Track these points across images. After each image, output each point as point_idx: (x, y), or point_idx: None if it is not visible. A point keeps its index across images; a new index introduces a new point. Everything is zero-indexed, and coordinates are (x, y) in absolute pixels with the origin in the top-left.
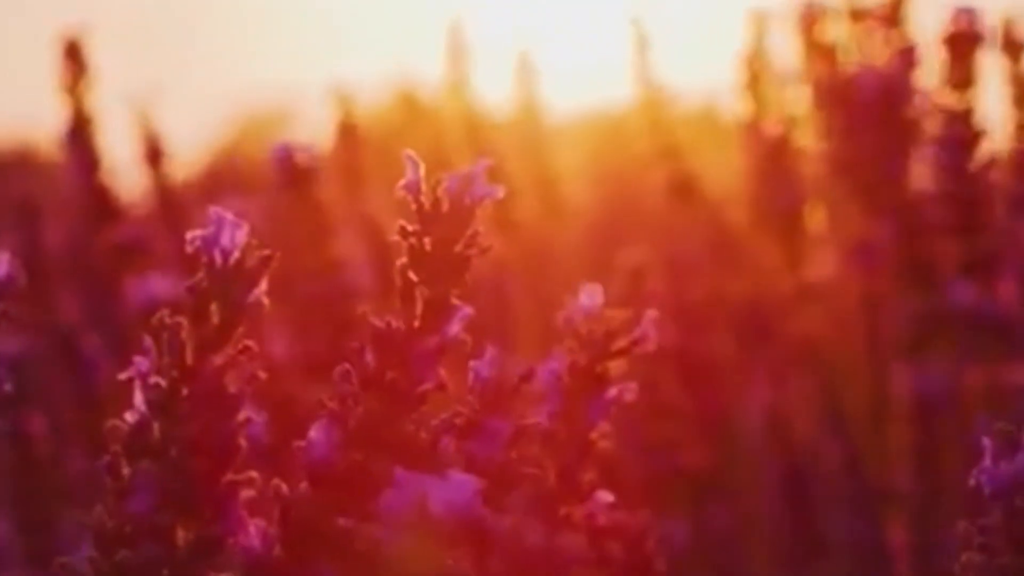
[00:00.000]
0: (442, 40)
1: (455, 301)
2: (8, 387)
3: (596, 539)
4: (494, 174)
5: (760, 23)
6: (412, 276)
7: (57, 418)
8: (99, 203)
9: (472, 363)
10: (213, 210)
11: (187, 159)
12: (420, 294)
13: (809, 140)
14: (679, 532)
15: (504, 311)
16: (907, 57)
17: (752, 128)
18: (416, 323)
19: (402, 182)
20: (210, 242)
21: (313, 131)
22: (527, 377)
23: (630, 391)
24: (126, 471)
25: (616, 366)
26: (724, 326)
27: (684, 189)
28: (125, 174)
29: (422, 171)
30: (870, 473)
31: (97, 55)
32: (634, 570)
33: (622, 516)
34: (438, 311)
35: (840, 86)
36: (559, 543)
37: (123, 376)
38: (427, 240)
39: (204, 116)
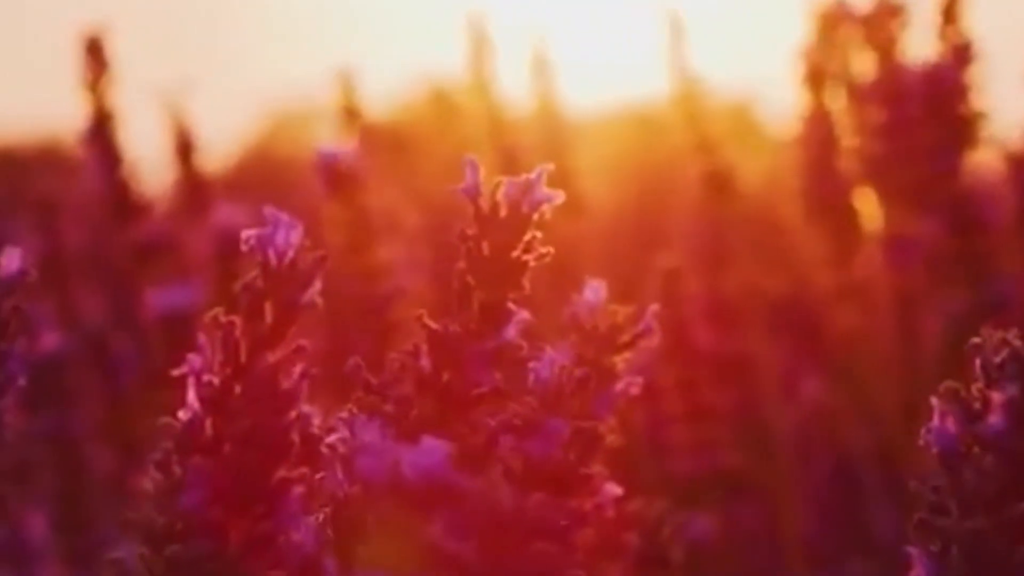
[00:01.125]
0: (465, 36)
1: (512, 306)
2: (23, 383)
3: (611, 528)
4: (515, 170)
5: (819, 17)
6: (470, 280)
7: (88, 417)
8: (121, 200)
9: (532, 364)
10: (268, 210)
11: (215, 156)
12: (477, 298)
13: (859, 136)
14: (717, 529)
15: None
16: (962, 54)
17: (804, 123)
18: (473, 326)
19: (461, 185)
20: (265, 241)
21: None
22: (585, 380)
23: (636, 385)
24: (177, 468)
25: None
26: (764, 323)
27: (721, 184)
28: (151, 170)
29: (482, 175)
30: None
31: (123, 51)
32: (649, 560)
33: (638, 507)
34: (495, 315)
35: (893, 82)
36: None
37: (176, 373)
38: (485, 244)
39: (232, 114)
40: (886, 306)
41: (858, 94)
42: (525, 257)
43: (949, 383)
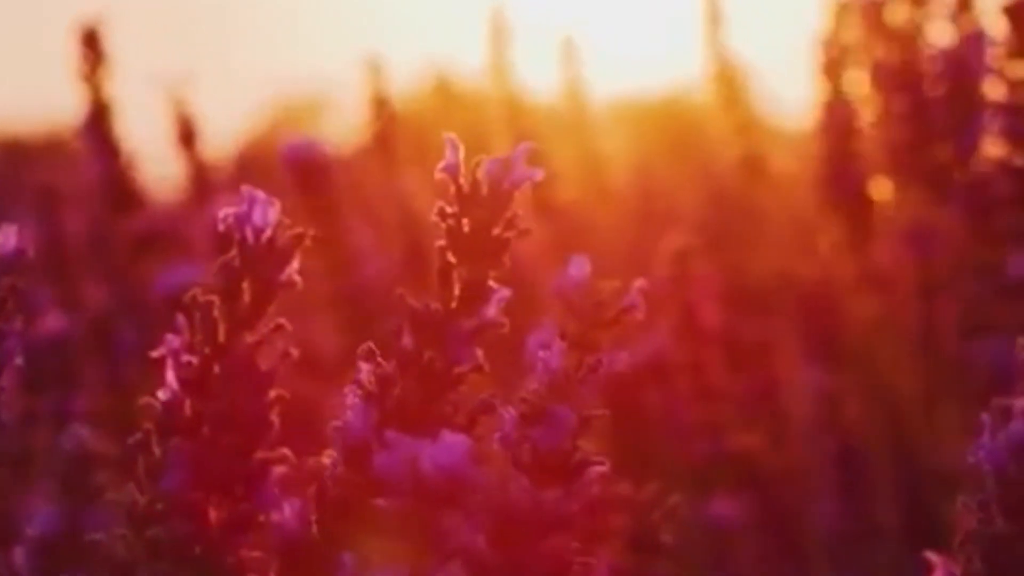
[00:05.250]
0: (484, 25)
1: (492, 283)
2: (20, 362)
3: (601, 511)
4: (536, 158)
5: (839, 7)
6: (450, 258)
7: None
8: (118, 191)
9: (540, 352)
10: (245, 188)
11: (218, 146)
12: (458, 276)
13: (878, 123)
14: (729, 513)
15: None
16: (977, 41)
17: (822, 110)
18: (454, 304)
19: (441, 164)
20: (242, 219)
21: (347, 118)
22: (595, 367)
23: (620, 361)
24: (158, 449)
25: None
26: (781, 309)
27: (755, 168)
28: (153, 160)
29: (461, 153)
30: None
31: (126, 41)
32: (638, 542)
33: (628, 489)
34: (476, 293)
35: (911, 68)
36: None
37: (155, 354)
38: (465, 222)
39: (235, 103)
40: (903, 292)
41: (876, 80)
42: (506, 234)
43: (999, 400)
